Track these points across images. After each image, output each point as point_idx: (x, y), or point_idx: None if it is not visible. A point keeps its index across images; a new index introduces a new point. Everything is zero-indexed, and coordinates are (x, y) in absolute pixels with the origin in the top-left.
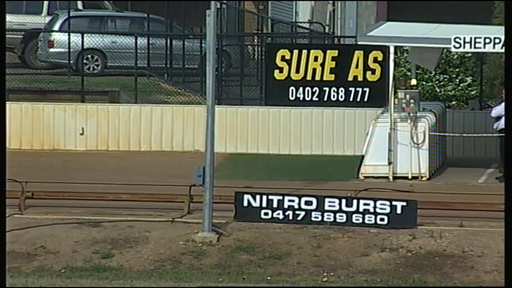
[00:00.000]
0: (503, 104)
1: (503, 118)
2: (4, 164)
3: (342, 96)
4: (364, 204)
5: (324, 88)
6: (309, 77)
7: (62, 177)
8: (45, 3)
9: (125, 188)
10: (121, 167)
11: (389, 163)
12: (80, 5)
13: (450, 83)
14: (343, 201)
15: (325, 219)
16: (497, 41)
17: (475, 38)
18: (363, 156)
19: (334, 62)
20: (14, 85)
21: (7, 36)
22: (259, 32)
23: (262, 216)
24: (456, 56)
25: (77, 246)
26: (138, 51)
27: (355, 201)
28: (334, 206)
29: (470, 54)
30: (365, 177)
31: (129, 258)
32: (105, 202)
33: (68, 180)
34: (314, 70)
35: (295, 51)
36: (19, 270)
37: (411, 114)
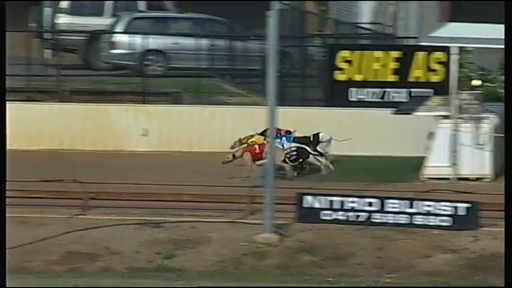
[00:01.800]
0: None
1: None
2: (4, 164)
3: (404, 97)
4: (427, 205)
5: (386, 89)
6: (370, 78)
7: (125, 178)
8: (109, 5)
9: (186, 189)
10: (183, 168)
11: (452, 164)
12: (142, 6)
13: None
14: (405, 202)
15: (387, 220)
16: None
17: None
18: (425, 158)
19: (396, 63)
20: (78, 86)
21: (71, 38)
22: (321, 32)
23: (324, 217)
24: None
25: (140, 246)
26: (200, 52)
27: (417, 203)
28: (396, 208)
29: None
30: (428, 178)
31: (191, 259)
32: (167, 203)
33: (130, 181)
34: (376, 71)
35: (357, 52)
36: (83, 271)
37: (474, 115)
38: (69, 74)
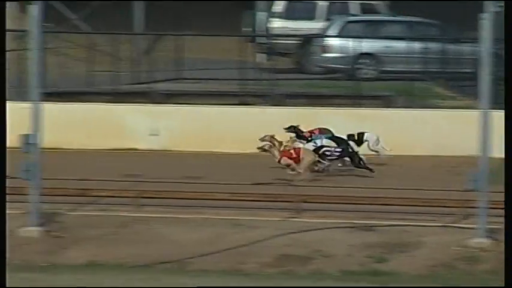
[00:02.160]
0: None
1: None
2: (4, 164)
3: None
4: None
5: None
6: None
7: (336, 181)
8: (322, 8)
9: (397, 193)
10: (395, 171)
11: None
12: (354, 8)
13: None
14: None
15: None
16: None
17: None
18: None
19: None
20: (291, 90)
21: (285, 41)
22: None
23: None
24: None
25: (351, 250)
26: (412, 55)
27: None
28: None
29: None
30: None
31: (403, 262)
32: (378, 207)
33: (340, 185)
34: None
35: None
36: (295, 273)
37: None
38: (282, 78)
